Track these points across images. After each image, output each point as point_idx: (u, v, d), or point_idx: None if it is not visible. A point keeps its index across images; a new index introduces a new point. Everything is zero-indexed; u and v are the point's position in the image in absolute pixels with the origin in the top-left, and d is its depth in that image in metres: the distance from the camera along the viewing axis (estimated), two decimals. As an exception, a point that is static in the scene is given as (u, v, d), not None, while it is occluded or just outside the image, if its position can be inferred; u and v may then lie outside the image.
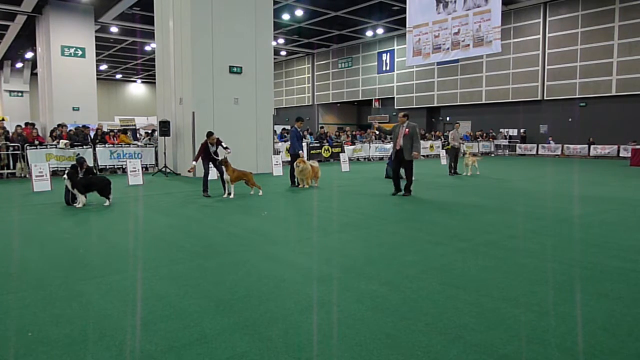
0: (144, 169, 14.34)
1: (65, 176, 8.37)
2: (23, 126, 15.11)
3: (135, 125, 28.11)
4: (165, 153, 15.18)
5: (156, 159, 16.30)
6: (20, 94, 37.33)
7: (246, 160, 15.22)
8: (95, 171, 9.41)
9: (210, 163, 10.06)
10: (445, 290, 3.85)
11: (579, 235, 5.97)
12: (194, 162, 10.05)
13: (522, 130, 28.59)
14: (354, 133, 27.09)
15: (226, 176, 9.48)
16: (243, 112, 15.17)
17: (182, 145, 15.10)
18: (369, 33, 33.01)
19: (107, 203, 8.66)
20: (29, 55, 32.00)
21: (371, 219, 7.19)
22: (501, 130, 29.32)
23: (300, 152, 11.23)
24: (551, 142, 26.75)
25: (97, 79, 26.17)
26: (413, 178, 9.92)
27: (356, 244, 5.57)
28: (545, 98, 26.96)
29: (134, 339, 2.98)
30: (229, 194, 9.60)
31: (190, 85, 14.34)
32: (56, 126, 16.67)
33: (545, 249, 5.29)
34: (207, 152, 9.95)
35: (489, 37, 18.32)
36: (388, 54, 34.88)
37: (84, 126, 16.78)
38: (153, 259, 4.90)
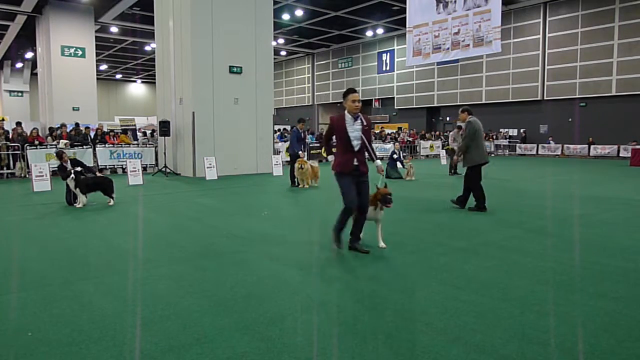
0: (143, 169, 14.34)
1: (72, 176, 8.39)
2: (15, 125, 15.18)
3: (135, 125, 28.10)
4: (165, 153, 15.19)
5: (156, 159, 16.31)
6: (20, 94, 37.33)
7: (246, 160, 15.27)
8: (85, 165, 9.27)
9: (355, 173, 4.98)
10: (445, 290, 3.84)
11: (579, 235, 5.97)
12: (330, 157, 5.29)
13: (522, 130, 28.59)
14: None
15: (381, 215, 5.32)
16: (243, 112, 15.16)
17: (182, 145, 15.10)
18: (369, 33, 33.00)
19: (111, 202, 8.69)
20: (29, 55, 31.99)
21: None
22: (501, 130, 29.32)
23: (300, 152, 11.24)
24: (551, 142, 26.73)
25: (97, 79, 26.16)
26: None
27: (356, 244, 5.55)
28: (545, 98, 26.95)
29: (133, 339, 2.98)
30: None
31: (190, 85, 14.33)
32: (59, 126, 16.73)
33: (545, 249, 5.28)
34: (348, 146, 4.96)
35: (489, 37, 18.30)
36: (388, 54, 34.86)
37: (76, 124, 16.88)
38: (153, 259, 4.90)
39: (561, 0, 25.87)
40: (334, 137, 5.15)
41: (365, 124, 4.99)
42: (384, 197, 5.11)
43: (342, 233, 5.07)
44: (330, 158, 5.25)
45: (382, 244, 5.25)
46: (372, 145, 5.12)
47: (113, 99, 49.72)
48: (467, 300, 3.61)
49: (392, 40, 34.14)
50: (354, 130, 4.91)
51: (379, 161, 5.14)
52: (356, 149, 4.92)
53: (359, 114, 4.98)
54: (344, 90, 5.12)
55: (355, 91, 5.03)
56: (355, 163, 4.91)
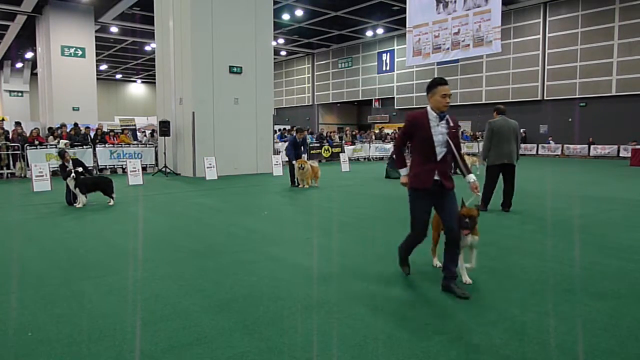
0: (143, 169, 14.33)
1: (72, 175, 8.38)
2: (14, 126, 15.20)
3: (135, 125, 28.08)
4: (165, 153, 15.18)
5: (156, 159, 16.31)
6: (20, 94, 37.33)
7: (246, 160, 15.27)
8: (85, 165, 9.31)
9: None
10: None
11: (579, 235, 5.97)
12: (403, 171, 4.04)
13: (522, 130, 28.56)
14: (353, 133, 27.10)
15: (471, 241, 4.06)
16: (243, 112, 15.16)
17: (182, 145, 15.10)
18: (369, 33, 33.00)
19: (111, 202, 8.69)
20: (29, 55, 32.01)
21: (371, 219, 7.19)
22: (501, 130, 29.31)
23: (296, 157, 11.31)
24: (551, 142, 26.74)
25: (97, 79, 26.15)
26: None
27: (356, 244, 5.56)
28: (545, 98, 26.96)
29: (134, 339, 2.98)
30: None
31: (190, 85, 14.33)
32: (59, 126, 16.73)
33: (545, 249, 5.28)
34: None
35: (489, 37, 18.29)
36: (388, 54, 34.87)
37: (75, 124, 16.88)
38: (153, 259, 4.90)
39: (561, 0, 25.87)
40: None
41: (452, 125, 3.82)
42: (461, 218, 3.86)
43: (409, 255, 4.25)
44: (404, 172, 3.99)
45: (466, 278, 4.03)
46: (462, 153, 3.94)
47: (113, 99, 49.70)
48: (467, 300, 3.61)
49: (392, 40, 34.15)
50: (438, 132, 3.76)
51: (472, 176, 3.96)
52: (439, 157, 3.79)
53: (446, 113, 3.83)
54: (430, 81, 3.86)
55: (446, 82, 3.79)
56: (437, 177, 3.80)
